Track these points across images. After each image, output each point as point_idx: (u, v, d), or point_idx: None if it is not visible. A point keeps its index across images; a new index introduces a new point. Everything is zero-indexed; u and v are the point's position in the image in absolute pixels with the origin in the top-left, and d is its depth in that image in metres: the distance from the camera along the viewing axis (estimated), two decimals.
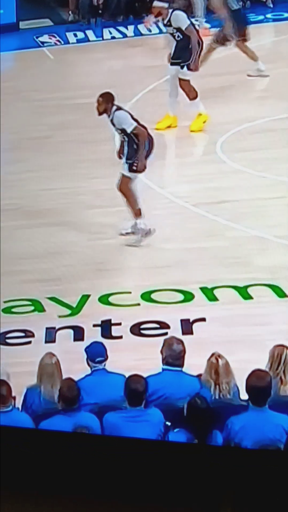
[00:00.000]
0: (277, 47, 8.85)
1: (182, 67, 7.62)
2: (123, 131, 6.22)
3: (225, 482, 3.48)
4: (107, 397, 4.44)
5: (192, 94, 7.66)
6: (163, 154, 7.32)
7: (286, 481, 3.46)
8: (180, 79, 7.64)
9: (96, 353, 4.65)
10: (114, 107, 6.20)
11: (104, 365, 4.64)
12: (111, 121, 6.25)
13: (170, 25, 7.67)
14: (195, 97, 7.66)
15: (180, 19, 7.62)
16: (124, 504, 3.61)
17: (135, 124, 6.17)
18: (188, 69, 7.62)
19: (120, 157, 6.33)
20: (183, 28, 7.60)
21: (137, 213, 6.29)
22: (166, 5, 7.66)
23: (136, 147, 6.17)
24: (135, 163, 6.18)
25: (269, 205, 6.54)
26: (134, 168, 6.19)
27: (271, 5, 10.31)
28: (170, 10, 7.63)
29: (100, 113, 6.24)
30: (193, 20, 8.11)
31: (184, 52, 7.60)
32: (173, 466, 3.55)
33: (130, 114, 6.26)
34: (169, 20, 7.64)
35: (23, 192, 7.02)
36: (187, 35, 7.58)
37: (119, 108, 6.22)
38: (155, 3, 7.72)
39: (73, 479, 3.63)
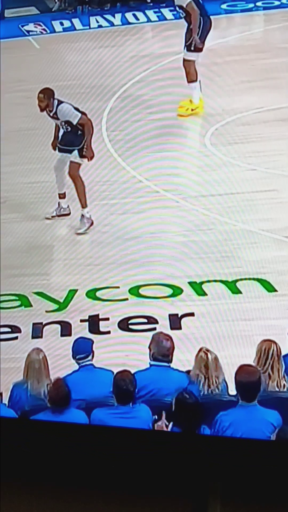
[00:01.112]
0: (268, 36, 8.75)
1: (184, 48, 7.30)
2: (67, 123, 6.32)
3: (212, 472, 3.48)
4: (95, 393, 4.42)
5: (190, 77, 7.31)
6: (151, 146, 7.26)
7: (273, 470, 3.46)
8: (183, 59, 7.32)
9: (81, 349, 4.63)
10: (56, 101, 6.34)
11: (92, 360, 4.61)
12: (54, 115, 6.36)
13: (174, 3, 7.32)
14: (193, 81, 7.33)
15: None
16: (111, 495, 3.60)
17: (80, 115, 6.33)
18: (188, 50, 7.27)
19: (55, 148, 6.45)
20: (184, 5, 7.18)
21: (84, 204, 6.37)
22: None
23: (82, 135, 6.30)
24: (85, 149, 6.31)
25: (259, 199, 6.50)
26: (85, 153, 6.32)
27: None
28: None
29: (42, 109, 6.39)
30: None
31: (187, 32, 7.23)
32: (161, 457, 3.53)
33: (71, 104, 6.36)
34: None
35: (9, 186, 6.95)
36: (190, 13, 7.15)
37: (60, 102, 6.35)
38: None
39: (59, 470, 3.61)
